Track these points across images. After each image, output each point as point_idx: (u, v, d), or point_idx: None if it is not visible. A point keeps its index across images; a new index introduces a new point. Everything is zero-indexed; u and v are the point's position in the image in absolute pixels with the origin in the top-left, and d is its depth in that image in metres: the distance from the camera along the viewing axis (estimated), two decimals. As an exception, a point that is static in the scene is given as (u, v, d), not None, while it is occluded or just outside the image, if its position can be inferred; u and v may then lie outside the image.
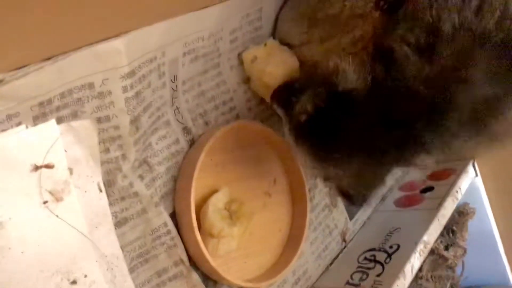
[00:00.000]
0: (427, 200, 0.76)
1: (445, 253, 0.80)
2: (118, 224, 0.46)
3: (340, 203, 0.72)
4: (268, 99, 0.57)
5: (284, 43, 0.61)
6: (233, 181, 0.57)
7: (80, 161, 0.42)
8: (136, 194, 0.48)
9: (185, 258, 0.51)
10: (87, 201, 0.42)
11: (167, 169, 0.51)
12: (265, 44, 0.59)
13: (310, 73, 0.55)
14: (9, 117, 0.37)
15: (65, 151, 0.40)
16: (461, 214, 0.83)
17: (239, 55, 0.59)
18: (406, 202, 0.78)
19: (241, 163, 0.58)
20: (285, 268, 0.57)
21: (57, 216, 0.39)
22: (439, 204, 0.72)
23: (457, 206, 0.77)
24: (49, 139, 0.39)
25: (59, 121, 0.40)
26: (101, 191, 0.44)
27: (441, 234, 0.80)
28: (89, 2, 0.37)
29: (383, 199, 0.81)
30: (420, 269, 0.76)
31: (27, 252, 0.38)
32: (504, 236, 0.86)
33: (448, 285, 0.80)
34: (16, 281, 0.37)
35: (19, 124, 0.38)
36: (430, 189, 0.79)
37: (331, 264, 0.69)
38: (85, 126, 0.42)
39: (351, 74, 0.45)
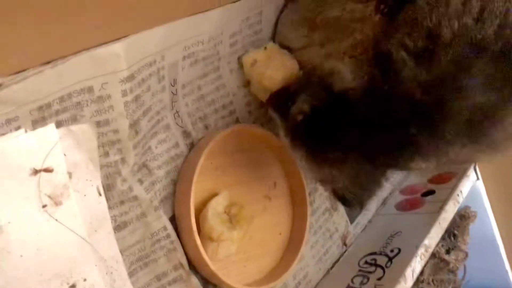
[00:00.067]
0: (428, 203, 0.76)
1: (446, 257, 0.79)
2: (118, 228, 0.46)
3: (341, 206, 0.72)
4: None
5: (284, 46, 0.61)
6: (233, 185, 0.57)
7: (79, 165, 0.42)
8: (135, 198, 0.48)
9: (184, 262, 0.51)
10: (86, 205, 0.42)
11: (167, 173, 0.52)
12: (265, 48, 0.59)
13: (306, 75, 0.55)
14: (8, 121, 0.37)
15: (64, 155, 0.40)
16: (463, 217, 0.83)
17: (239, 58, 0.59)
18: (407, 206, 0.78)
19: (241, 167, 0.58)
20: (285, 272, 0.57)
21: (56, 220, 0.39)
22: (440, 208, 0.71)
23: (459, 209, 0.77)
24: (48, 143, 0.39)
25: (58, 125, 0.40)
26: (100, 195, 0.43)
27: (443, 238, 0.80)
28: (88, 6, 0.37)
29: (384, 202, 0.81)
30: (422, 273, 0.76)
31: (26, 255, 0.38)
32: (505, 240, 0.86)
33: (450, 289, 0.79)
34: (15, 285, 0.37)
35: (18, 128, 0.38)
36: (431, 192, 0.78)
37: (331, 268, 0.69)
38: (84, 130, 0.42)
39: (347, 75, 0.45)
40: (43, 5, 0.34)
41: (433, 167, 0.47)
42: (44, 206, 0.39)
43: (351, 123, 0.45)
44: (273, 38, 0.62)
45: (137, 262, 0.48)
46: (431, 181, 0.82)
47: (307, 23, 0.58)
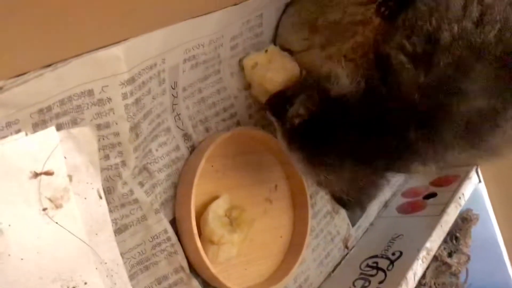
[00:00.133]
0: (430, 206, 0.75)
1: (448, 260, 0.79)
2: (118, 231, 0.46)
3: (342, 209, 0.72)
4: (266, 106, 0.57)
5: (284, 49, 0.61)
6: (234, 188, 0.57)
7: (79, 168, 0.42)
8: (136, 201, 0.48)
9: (185, 265, 0.51)
10: (87, 208, 0.42)
11: (167, 175, 0.51)
12: (266, 51, 0.59)
13: (303, 79, 0.55)
14: (9, 124, 0.37)
15: (65, 158, 0.40)
16: (465, 220, 0.83)
17: (240, 61, 0.59)
18: (408, 209, 0.78)
19: (242, 170, 0.58)
20: (286, 275, 0.57)
21: (56, 223, 0.39)
22: (442, 211, 0.71)
23: (460, 212, 0.77)
24: (48, 146, 0.39)
25: (59, 128, 0.40)
26: (101, 198, 0.44)
27: (445, 241, 0.79)
28: (88, 10, 0.37)
29: (385, 205, 0.81)
30: (424, 276, 0.76)
31: (27, 259, 0.38)
32: (508, 243, 0.85)
33: (452, 292, 0.79)
34: (15, 288, 0.37)
35: (18, 131, 0.38)
36: (433, 195, 0.78)
37: (333, 271, 0.68)
38: (84, 133, 0.42)
39: (344, 79, 0.45)
40: (43, 8, 0.34)
41: (431, 171, 0.46)
42: (44, 209, 0.39)
43: (348, 126, 0.45)
44: (274, 41, 0.62)
45: (137, 265, 0.48)
46: (433, 183, 0.81)
47: (308, 26, 0.59)
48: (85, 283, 0.41)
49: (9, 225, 0.37)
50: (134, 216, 0.48)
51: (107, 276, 0.43)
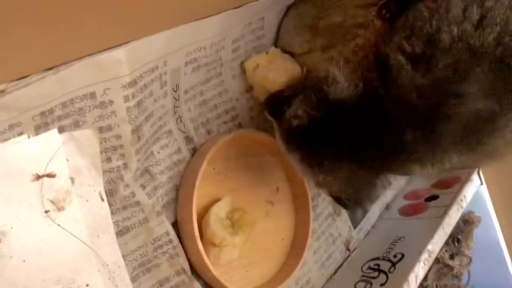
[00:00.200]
0: (432, 208, 0.75)
1: (450, 262, 0.79)
2: (120, 233, 0.46)
3: (344, 211, 0.72)
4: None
5: (286, 52, 0.61)
6: (236, 190, 0.57)
7: (81, 171, 0.42)
8: (138, 203, 0.48)
9: (187, 267, 0.51)
10: (89, 210, 0.42)
11: (169, 178, 0.52)
12: (267, 52, 0.60)
13: (301, 80, 0.55)
14: (11, 126, 0.37)
15: (67, 160, 0.41)
16: (466, 222, 0.83)
17: (242, 64, 0.59)
18: (410, 211, 0.78)
19: (244, 172, 0.58)
20: (288, 277, 0.57)
21: (58, 225, 0.40)
22: (444, 213, 0.71)
23: (462, 214, 0.77)
24: (50, 148, 0.40)
25: (61, 130, 0.40)
26: (103, 200, 0.44)
27: (446, 243, 0.79)
28: (90, 13, 0.37)
29: (387, 207, 0.81)
30: (426, 279, 0.75)
31: (29, 261, 0.38)
32: (510, 245, 0.85)
33: (454, 294, 0.79)
34: (17, 290, 0.37)
35: (21, 133, 0.38)
36: (434, 197, 0.78)
37: (334, 273, 0.68)
38: (86, 135, 0.42)
39: (342, 81, 0.45)
40: (45, 11, 0.34)
41: (429, 173, 0.46)
42: (46, 212, 0.39)
43: (346, 127, 0.45)
44: (275, 43, 0.62)
45: (139, 267, 0.48)
46: (434, 186, 0.81)
47: (309, 28, 0.59)
48: (87, 285, 0.41)
49: (11, 227, 0.37)
50: (136, 218, 0.48)
51: (109, 278, 0.43)
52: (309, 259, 0.64)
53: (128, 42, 0.42)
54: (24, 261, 0.38)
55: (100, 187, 0.44)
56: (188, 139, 0.54)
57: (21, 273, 0.38)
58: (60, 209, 0.40)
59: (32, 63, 0.37)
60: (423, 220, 0.73)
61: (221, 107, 0.58)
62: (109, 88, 0.42)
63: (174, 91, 0.51)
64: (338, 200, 0.51)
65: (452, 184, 0.79)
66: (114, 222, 0.45)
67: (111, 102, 0.43)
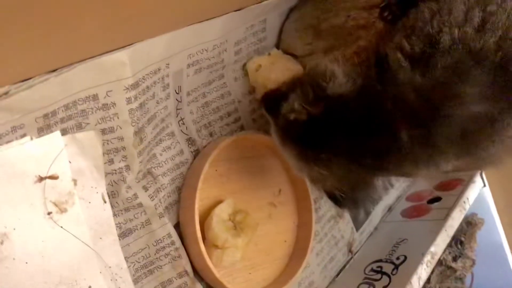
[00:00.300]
0: (435, 210, 0.75)
1: (453, 264, 0.79)
2: (122, 235, 0.47)
3: (347, 214, 0.72)
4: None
5: (288, 54, 0.61)
6: (238, 192, 0.57)
7: (84, 172, 0.42)
8: (140, 205, 0.48)
9: (189, 269, 0.51)
10: (91, 212, 0.42)
11: (172, 180, 0.52)
12: (269, 54, 0.60)
13: (298, 76, 0.55)
14: (14, 128, 0.38)
15: (70, 162, 0.41)
16: (469, 224, 0.83)
17: (244, 66, 0.59)
18: (413, 213, 0.77)
19: (246, 174, 0.58)
20: (290, 279, 0.57)
21: (61, 227, 0.40)
22: (447, 215, 0.71)
23: (465, 216, 0.76)
24: (53, 150, 0.40)
25: (64, 132, 0.41)
26: (105, 202, 0.44)
27: (449, 245, 0.79)
28: (93, 15, 0.37)
29: (389, 209, 0.80)
30: (429, 281, 0.75)
31: (31, 263, 0.38)
32: (513, 247, 0.85)
33: (457, 296, 0.79)
34: (20, 292, 0.37)
35: (23, 135, 0.38)
36: (437, 199, 0.78)
37: (337, 275, 0.68)
38: (89, 137, 0.42)
39: (340, 77, 0.45)
40: (48, 13, 0.34)
41: (424, 175, 0.46)
42: (49, 213, 0.39)
43: (341, 124, 0.44)
44: (277, 46, 0.62)
45: (141, 269, 0.48)
46: (437, 188, 0.81)
47: (311, 30, 0.59)
48: (90, 287, 0.41)
49: (14, 229, 0.37)
50: (138, 220, 0.48)
51: (111, 280, 0.43)
52: (312, 261, 0.64)
53: (130, 45, 0.42)
54: (26, 262, 0.38)
55: (103, 189, 0.44)
56: (191, 141, 0.54)
57: (23, 274, 0.38)
58: (62, 211, 0.40)
59: (35, 65, 0.37)
60: (425, 222, 0.73)
61: (224, 109, 0.58)
62: (112, 90, 0.42)
63: (176, 93, 0.51)
64: (332, 196, 0.50)
65: (454, 186, 0.79)
66: (116, 224, 0.45)
67: (114, 104, 0.43)
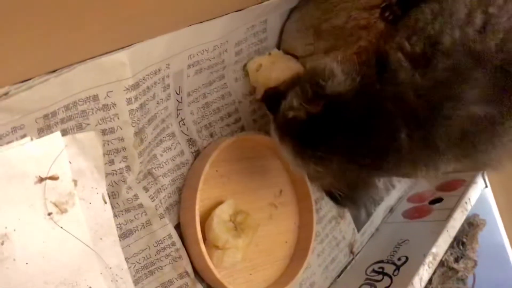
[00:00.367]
0: (436, 211, 0.75)
1: (455, 265, 0.79)
2: (123, 235, 0.47)
3: (348, 214, 0.72)
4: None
5: (288, 54, 0.61)
6: (239, 193, 0.57)
7: (84, 173, 0.42)
8: (140, 205, 0.48)
9: (190, 270, 0.51)
10: (92, 212, 0.42)
11: (172, 180, 0.52)
12: (269, 54, 0.60)
13: (297, 74, 0.55)
14: (14, 129, 0.38)
15: (70, 163, 0.41)
16: (471, 225, 0.82)
17: (244, 66, 0.59)
18: (414, 214, 0.77)
19: (247, 175, 0.58)
20: (291, 280, 0.57)
21: (61, 227, 0.40)
22: (448, 216, 0.71)
23: (467, 217, 0.76)
24: (53, 151, 0.40)
25: (64, 133, 0.41)
26: (105, 202, 0.44)
27: (451, 246, 0.79)
28: (93, 15, 0.37)
29: (391, 210, 0.80)
30: (430, 282, 0.75)
31: (32, 263, 0.38)
32: (515, 248, 0.85)
33: (459, 297, 0.79)
34: (20, 293, 0.37)
35: (24, 136, 0.38)
36: (439, 200, 0.78)
37: (338, 276, 0.68)
38: (89, 138, 0.42)
39: (339, 75, 0.45)
40: (48, 13, 0.34)
41: (422, 176, 0.45)
42: (49, 214, 0.39)
43: (340, 121, 0.44)
44: (278, 46, 0.62)
45: (142, 270, 0.48)
46: (438, 188, 0.81)
47: (312, 31, 0.59)
48: (90, 288, 0.41)
49: (14, 230, 0.37)
50: (138, 221, 0.48)
51: (111, 281, 0.43)
52: (313, 262, 0.64)
53: (130, 45, 0.42)
54: (27, 263, 0.38)
55: (103, 190, 0.44)
56: (191, 142, 0.54)
57: (24, 275, 0.38)
58: (63, 211, 0.40)
59: (35, 66, 0.37)
60: (427, 223, 0.73)
61: (224, 110, 0.58)
62: (112, 91, 0.42)
63: (177, 93, 0.51)
64: (330, 194, 0.50)
65: (456, 187, 0.79)
66: (117, 225, 0.45)
67: (114, 104, 0.43)
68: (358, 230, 0.73)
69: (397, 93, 0.43)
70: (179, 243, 0.50)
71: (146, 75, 0.45)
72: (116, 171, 0.46)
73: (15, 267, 0.37)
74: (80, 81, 0.40)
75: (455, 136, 0.42)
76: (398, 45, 0.44)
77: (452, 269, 0.78)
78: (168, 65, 0.48)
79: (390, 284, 0.62)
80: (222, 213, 0.52)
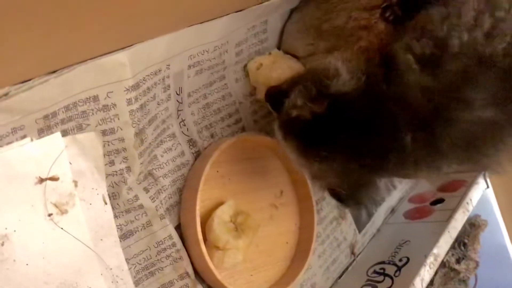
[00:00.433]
0: (437, 212, 0.75)
1: (456, 266, 0.78)
2: (123, 236, 0.46)
3: (349, 215, 0.72)
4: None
5: (289, 55, 0.61)
6: (239, 193, 0.57)
7: (85, 174, 0.42)
8: (141, 206, 0.48)
9: (190, 271, 0.51)
10: (92, 213, 0.42)
11: (173, 181, 0.52)
12: (270, 53, 0.60)
13: (301, 73, 0.55)
14: (14, 130, 0.37)
15: (70, 163, 0.41)
16: (473, 226, 0.82)
17: (245, 67, 0.59)
18: (416, 214, 0.77)
19: (247, 175, 0.58)
20: (292, 281, 0.57)
21: (62, 228, 0.40)
22: (450, 216, 0.71)
23: (469, 218, 0.76)
24: (54, 151, 0.40)
25: (64, 133, 0.41)
26: (106, 203, 0.44)
27: (453, 247, 0.79)
28: (93, 16, 0.37)
29: (392, 211, 0.80)
30: (432, 283, 0.75)
31: (32, 264, 0.38)
32: (517, 249, 0.85)
33: (461, 298, 0.78)
34: (21, 294, 0.37)
35: (24, 137, 0.38)
36: (440, 201, 0.78)
37: (339, 277, 0.68)
38: (90, 138, 0.42)
39: (344, 74, 0.45)
40: (48, 14, 0.34)
41: (424, 177, 0.45)
42: (49, 215, 0.39)
43: (344, 120, 0.44)
44: (279, 47, 0.62)
45: (143, 271, 0.48)
46: (440, 189, 0.81)
47: (312, 31, 0.59)
48: (90, 289, 0.41)
49: (15, 231, 0.37)
50: (139, 222, 0.48)
51: (112, 282, 0.43)
52: (314, 263, 0.64)
53: (131, 45, 0.42)
54: (27, 264, 0.38)
55: (103, 190, 0.44)
56: (192, 143, 0.54)
57: (24, 276, 0.38)
58: (63, 212, 0.40)
59: (35, 66, 0.37)
60: (428, 223, 0.73)
61: (225, 111, 0.57)
62: (112, 91, 0.42)
63: (177, 94, 0.51)
64: (334, 193, 0.50)
65: (457, 188, 0.79)
66: (117, 226, 0.45)
67: (114, 105, 0.43)
68: (359, 231, 0.73)
69: (403, 94, 0.42)
70: (179, 244, 0.50)
71: (147, 75, 0.45)
72: (116, 172, 0.46)
73: (15, 268, 0.37)
74: (80, 81, 0.40)
75: (460, 139, 0.42)
76: (407, 46, 0.44)
77: (453, 270, 0.78)
78: (169, 65, 0.48)
79: (391, 285, 0.62)
80: (223, 213, 0.52)
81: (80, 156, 0.42)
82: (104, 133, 0.44)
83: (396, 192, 0.82)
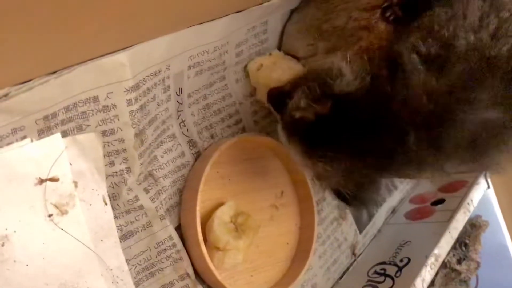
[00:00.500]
0: (438, 212, 0.75)
1: (457, 266, 0.78)
2: (123, 237, 0.46)
3: (350, 216, 0.72)
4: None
5: (290, 55, 0.61)
6: (240, 194, 0.57)
7: (85, 174, 0.42)
8: (141, 207, 0.48)
9: (191, 272, 0.51)
10: (92, 214, 0.42)
11: (173, 182, 0.52)
12: (270, 54, 0.60)
13: (303, 74, 0.55)
14: (14, 130, 0.37)
15: (70, 164, 0.41)
16: (474, 226, 0.82)
17: (245, 68, 0.59)
18: (416, 215, 0.77)
19: (248, 176, 0.58)
20: (292, 282, 0.57)
21: (62, 229, 0.40)
22: (451, 217, 0.70)
23: (469, 218, 0.76)
24: (54, 152, 0.40)
25: (64, 134, 0.40)
26: (106, 204, 0.44)
27: (454, 248, 0.79)
28: (93, 16, 0.37)
29: (393, 211, 0.80)
30: (433, 283, 0.75)
31: (32, 265, 0.38)
32: (518, 249, 0.84)
33: (462, 299, 0.78)
34: (21, 294, 0.37)
35: (24, 137, 0.38)
36: (441, 201, 0.77)
37: (340, 278, 0.68)
38: (90, 139, 0.42)
39: (348, 75, 0.44)
40: (48, 14, 0.34)
41: (426, 177, 0.45)
42: (49, 216, 0.39)
43: (348, 121, 0.44)
44: (279, 47, 0.62)
45: (143, 271, 0.48)
46: (441, 189, 0.81)
47: (313, 31, 0.59)
48: (90, 290, 0.41)
49: (15, 231, 0.37)
50: (139, 222, 0.48)
51: (112, 282, 0.43)
52: (315, 263, 0.64)
53: (130, 46, 0.42)
54: (27, 265, 0.38)
55: (104, 191, 0.44)
56: (192, 143, 0.54)
57: (24, 277, 0.38)
58: (63, 213, 0.40)
59: (34, 67, 0.37)
60: (429, 224, 0.73)
61: (225, 111, 0.57)
62: (112, 92, 0.42)
63: (177, 95, 0.51)
64: (338, 194, 0.50)
65: (458, 188, 0.78)
66: (117, 226, 0.45)
67: (114, 106, 0.43)
68: (360, 232, 0.73)
69: (408, 94, 0.42)
70: (179, 245, 0.50)
71: (146, 76, 0.45)
72: (116, 172, 0.46)
73: (15, 269, 0.37)
74: (80, 82, 0.40)
75: (464, 140, 0.42)
76: (412, 46, 0.44)
77: (454, 270, 0.78)
78: (169, 66, 0.48)
79: (392, 286, 0.62)
80: (223, 214, 0.52)
81: (80, 157, 0.42)
82: (104, 133, 0.44)
83: (397, 193, 0.82)
